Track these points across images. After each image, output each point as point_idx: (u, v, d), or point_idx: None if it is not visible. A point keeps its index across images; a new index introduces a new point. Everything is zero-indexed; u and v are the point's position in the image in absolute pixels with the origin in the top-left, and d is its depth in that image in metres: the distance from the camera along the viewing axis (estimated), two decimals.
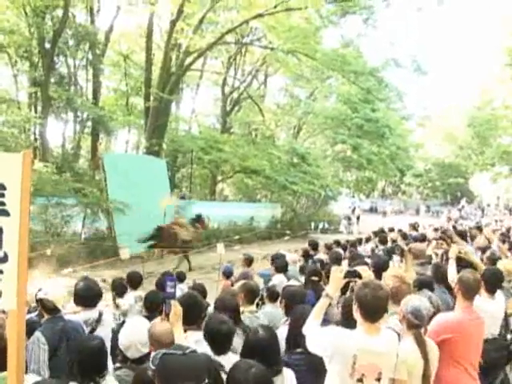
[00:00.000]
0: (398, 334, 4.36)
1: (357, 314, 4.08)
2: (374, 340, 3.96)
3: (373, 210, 62.71)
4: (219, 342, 4.51)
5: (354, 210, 49.63)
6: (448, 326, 5.13)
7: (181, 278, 10.69)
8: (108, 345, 4.90)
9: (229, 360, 4.16)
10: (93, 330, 5.61)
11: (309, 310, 4.74)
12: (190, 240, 21.87)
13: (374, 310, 3.99)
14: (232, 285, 9.45)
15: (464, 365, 5.10)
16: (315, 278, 7.92)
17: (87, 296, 5.88)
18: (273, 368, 3.97)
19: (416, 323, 4.51)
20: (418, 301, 4.70)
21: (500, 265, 8.37)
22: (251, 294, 6.59)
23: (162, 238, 21.12)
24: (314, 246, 13.34)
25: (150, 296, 6.81)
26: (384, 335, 4.08)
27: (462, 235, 13.00)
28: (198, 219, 23.29)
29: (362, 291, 4.03)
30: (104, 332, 5.43)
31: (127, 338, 4.32)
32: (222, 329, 4.47)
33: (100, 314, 5.82)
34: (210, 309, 6.41)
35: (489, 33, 74.41)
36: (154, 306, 6.35)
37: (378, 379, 3.95)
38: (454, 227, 21.85)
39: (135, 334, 4.32)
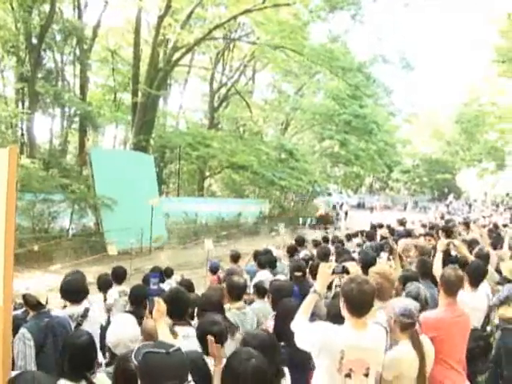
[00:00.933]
0: (386, 329, 4.33)
1: (343, 310, 4.06)
2: (362, 335, 3.95)
3: (360, 205, 62.79)
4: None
5: (341, 206, 49.69)
6: (431, 325, 5.10)
7: (168, 273, 10.68)
8: (97, 341, 4.87)
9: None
10: (78, 325, 5.56)
11: (295, 303, 4.75)
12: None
13: (360, 305, 3.97)
14: (219, 281, 9.43)
15: (450, 362, 5.09)
16: (299, 274, 7.92)
17: (73, 291, 5.83)
18: None
19: (409, 322, 4.51)
20: (404, 301, 4.73)
21: (504, 266, 8.42)
22: (236, 290, 6.57)
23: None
24: (301, 242, 13.29)
25: (135, 290, 6.80)
26: (371, 330, 4.06)
27: (447, 231, 13.03)
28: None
29: (347, 286, 4.01)
30: (91, 328, 5.38)
31: (115, 336, 4.28)
32: (212, 330, 4.45)
33: (86, 310, 5.76)
34: None
35: (476, 30, 74.57)
36: (138, 300, 6.34)
37: (366, 374, 3.93)
38: (447, 222, 21.91)
39: (123, 331, 4.28)
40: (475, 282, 6.59)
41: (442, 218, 31.65)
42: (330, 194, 54.67)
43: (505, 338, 7.49)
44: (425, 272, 7.12)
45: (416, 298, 5.48)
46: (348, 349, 3.85)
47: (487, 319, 7.28)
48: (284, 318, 4.56)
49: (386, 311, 4.81)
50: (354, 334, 3.94)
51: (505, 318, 7.88)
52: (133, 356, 3.23)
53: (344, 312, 4.06)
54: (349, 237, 16.27)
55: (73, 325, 5.52)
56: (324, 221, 39.34)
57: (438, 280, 5.99)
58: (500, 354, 6.91)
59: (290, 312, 4.45)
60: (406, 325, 4.51)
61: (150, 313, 4.22)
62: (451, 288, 5.39)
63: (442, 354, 4.97)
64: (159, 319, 4.12)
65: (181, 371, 3.09)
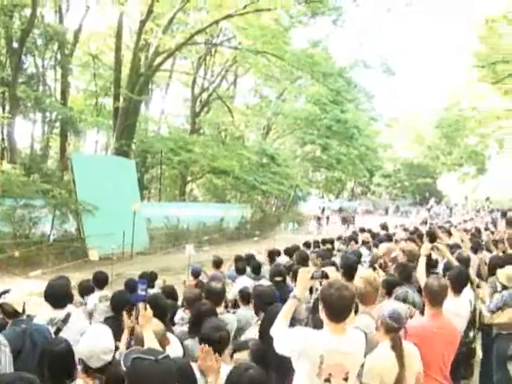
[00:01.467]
0: (365, 334, 4.33)
1: (323, 314, 4.07)
2: (340, 340, 3.96)
3: (342, 210, 62.99)
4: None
5: (323, 211, 49.81)
6: (413, 332, 5.04)
7: (152, 278, 10.67)
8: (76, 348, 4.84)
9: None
10: (58, 330, 5.55)
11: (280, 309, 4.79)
12: None
13: (339, 311, 3.98)
14: (196, 286, 9.43)
15: (429, 373, 5.07)
16: (279, 279, 7.95)
17: (56, 296, 5.84)
18: None
19: (395, 327, 4.53)
20: (394, 304, 4.75)
21: (500, 273, 8.47)
22: (213, 296, 6.60)
23: None
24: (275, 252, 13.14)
25: (117, 296, 6.80)
26: (350, 335, 4.08)
27: (431, 236, 13.12)
28: None
29: (327, 291, 4.02)
30: (71, 334, 5.35)
31: (88, 348, 4.23)
32: (212, 336, 4.57)
33: (68, 315, 5.73)
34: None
35: (456, 35, 74.99)
36: (120, 307, 6.34)
37: (346, 379, 3.95)
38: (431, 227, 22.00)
39: (96, 343, 4.23)
40: (458, 288, 6.60)
41: (425, 222, 31.77)
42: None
43: (498, 344, 7.60)
44: (406, 276, 7.16)
45: (404, 301, 5.53)
46: (327, 353, 3.86)
47: (471, 325, 7.33)
48: (269, 324, 4.58)
49: (376, 312, 4.85)
50: (333, 338, 3.95)
51: (500, 323, 7.99)
52: (121, 362, 3.25)
53: (323, 317, 4.07)
54: (324, 242, 16.10)
55: (52, 329, 5.51)
56: None
57: (422, 288, 6.04)
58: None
59: (275, 319, 4.49)
60: (392, 328, 4.53)
61: (137, 318, 4.25)
62: (435, 298, 5.39)
63: (424, 366, 4.93)
64: (146, 325, 4.16)
65: (168, 379, 3.12)
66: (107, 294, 7.79)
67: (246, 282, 9.33)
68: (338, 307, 3.97)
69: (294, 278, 7.47)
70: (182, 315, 6.71)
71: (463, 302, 6.72)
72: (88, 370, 4.20)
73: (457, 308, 6.32)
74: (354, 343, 4.07)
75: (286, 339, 4.10)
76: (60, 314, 5.73)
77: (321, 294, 4.15)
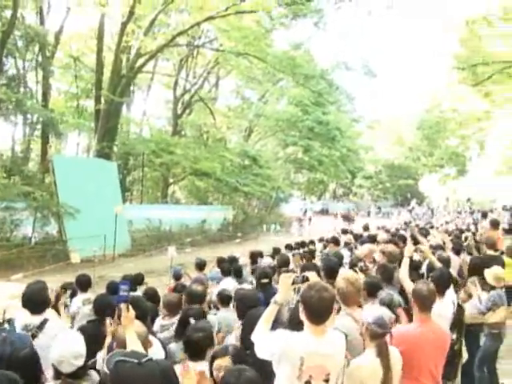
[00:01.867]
0: (346, 335, 4.33)
1: (303, 316, 4.09)
2: (320, 341, 3.97)
3: (324, 211, 63.09)
4: (192, 348, 4.66)
5: (305, 212, 49.90)
6: (401, 338, 5.03)
7: (138, 280, 10.65)
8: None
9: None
10: (33, 337, 5.49)
11: (262, 313, 4.79)
12: None
13: (318, 312, 4.00)
14: (175, 289, 9.41)
15: (424, 381, 5.09)
16: (265, 281, 7.96)
17: (33, 301, 5.80)
18: None
19: (380, 332, 4.51)
20: (378, 310, 4.75)
21: (487, 273, 8.53)
22: (194, 299, 6.62)
23: None
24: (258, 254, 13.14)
25: (99, 299, 6.78)
26: (330, 336, 4.09)
27: (415, 237, 13.18)
28: None
29: (307, 293, 4.04)
30: (46, 341, 5.31)
31: (58, 353, 4.18)
32: (193, 337, 4.65)
33: (44, 321, 5.67)
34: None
35: (437, 37, 75.28)
36: (102, 310, 6.32)
37: (326, 380, 3.96)
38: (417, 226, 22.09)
39: (67, 348, 4.21)
40: (441, 290, 6.56)
41: (407, 224, 31.88)
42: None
43: (488, 343, 7.66)
44: (387, 278, 7.18)
45: (389, 305, 5.52)
46: (307, 355, 3.87)
47: (454, 326, 7.37)
48: (250, 328, 4.58)
49: (359, 315, 4.86)
50: (313, 340, 3.96)
51: (492, 323, 8.06)
52: (104, 365, 3.24)
53: (303, 319, 4.08)
54: (303, 244, 16.09)
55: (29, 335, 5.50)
56: None
57: (405, 285, 6.05)
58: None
59: (256, 322, 4.49)
60: (376, 334, 4.52)
61: (119, 319, 4.25)
62: (424, 303, 5.36)
63: (411, 369, 4.96)
64: (128, 326, 4.15)
65: (151, 382, 3.13)
66: (90, 297, 7.78)
67: (230, 283, 9.36)
68: (318, 309, 3.99)
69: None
70: (161, 323, 6.68)
71: (446, 304, 6.75)
72: (60, 376, 4.18)
73: (439, 309, 6.23)
74: (334, 345, 4.07)
75: (266, 343, 4.10)
76: (36, 319, 5.68)
77: (301, 296, 4.17)
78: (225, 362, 4.38)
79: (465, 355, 8.05)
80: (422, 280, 6.21)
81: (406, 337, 5.13)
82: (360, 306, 5.48)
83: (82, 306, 7.89)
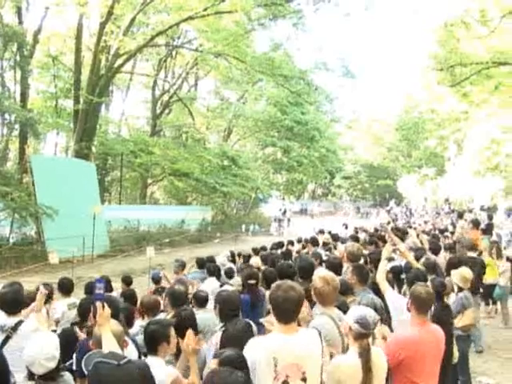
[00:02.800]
0: (319, 332, 4.27)
1: (272, 316, 4.15)
2: (292, 340, 3.99)
3: (303, 211, 63.22)
4: (146, 342, 4.72)
5: (284, 213, 49.98)
6: (403, 345, 5.07)
7: (127, 282, 10.65)
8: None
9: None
10: (7, 338, 5.52)
11: (242, 325, 4.83)
12: None
13: (285, 311, 4.03)
14: (155, 292, 9.42)
15: (422, 381, 5.08)
16: (252, 282, 7.96)
17: (8, 302, 5.80)
18: None
19: (363, 332, 4.49)
20: (362, 310, 4.76)
21: (454, 274, 8.61)
22: (174, 299, 6.65)
23: None
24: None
25: (85, 303, 6.77)
26: (302, 334, 4.11)
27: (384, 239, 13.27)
28: None
29: (274, 293, 4.09)
30: (20, 342, 5.30)
31: (30, 354, 4.15)
32: (148, 328, 4.73)
33: (18, 323, 5.69)
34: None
35: (415, 38, 75.66)
36: (88, 314, 6.33)
37: (304, 379, 3.95)
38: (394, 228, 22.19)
39: (39, 350, 4.18)
40: None
41: (389, 224, 32.02)
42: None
43: (459, 346, 7.71)
44: (362, 280, 7.06)
45: (374, 309, 5.53)
46: (279, 355, 3.88)
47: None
48: (229, 339, 4.59)
49: (338, 316, 4.90)
50: (283, 339, 3.98)
51: (462, 327, 8.14)
52: (83, 365, 3.25)
53: (273, 319, 4.13)
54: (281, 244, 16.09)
55: (1, 336, 5.52)
56: None
57: (381, 287, 6.06)
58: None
59: (236, 336, 4.52)
60: (359, 334, 4.49)
61: (94, 317, 4.21)
62: (423, 306, 5.35)
63: (413, 375, 5.00)
64: (104, 324, 4.13)
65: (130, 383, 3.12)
66: (75, 302, 7.70)
67: (214, 283, 9.40)
68: (285, 308, 4.02)
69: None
70: (140, 323, 6.65)
71: None
72: (33, 377, 4.20)
73: None
74: (307, 342, 4.07)
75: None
76: (11, 321, 5.69)
77: (269, 296, 4.22)
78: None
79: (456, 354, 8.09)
80: (421, 283, 6.20)
81: (407, 344, 5.13)
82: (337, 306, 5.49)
83: (67, 310, 7.80)
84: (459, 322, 8.19)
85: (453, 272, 8.73)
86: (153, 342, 4.64)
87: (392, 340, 5.19)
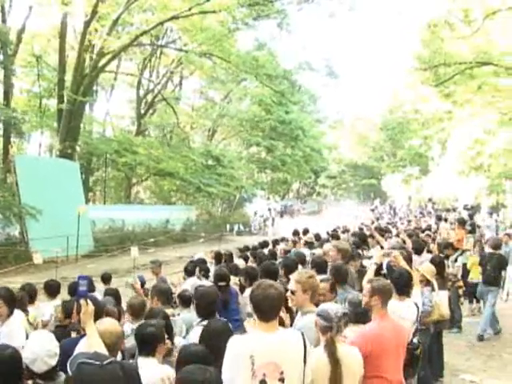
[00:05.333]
0: (302, 333, 4.21)
1: (253, 315, 4.15)
2: (270, 338, 3.99)
3: (288, 211, 63.24)
4: (143, 343, 4.68)
5: (269, 212, 50.05)
6: (368, 339, 5.08)
7: (105, 278, 10.66)
8: None
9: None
10: None
11: (222, 325, 4.85)
12: None
13: (265, 309, 4.04)
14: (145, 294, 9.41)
15: (389, 378, 5.13)
16: (222, 283, 7.96)
17: None
18: None
19: (325, 325, 4.53)
20: (326, 304, 4.77)
21: (424, 269, 8.71)
22: (163, 295, 6.68)
23: None
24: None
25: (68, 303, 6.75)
26: (281, 333, 4.12)
27: (365, 239, 13.40)
28: None
29: (255, 292, 4.11)
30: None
31: (32, 352, 4.15)
32: (147, 332, 4.68)
33: None
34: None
35: (399, 38, 76.05)
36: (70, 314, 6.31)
37: (281, 379, 3.93)
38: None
39: (40, 347, 4.17)
40: (402, 291, 6.62)
41: (373, 223, 32.14)
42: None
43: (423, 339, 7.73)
44: (340, 279, 7.08)
45: (359, 305, 5.52)
46: (256, 353, 3.88)
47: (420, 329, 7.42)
48: (210, 335, 4.60)
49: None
50: (261, 337, 3.99)
51: (425, 322, 8.18)
52: (68, 367, 3.25)
53: (254, 317, 4.14)
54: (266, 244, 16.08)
55: None
56: None
57: (365, 292, 6.11)
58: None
59: (217, 333, 4.57)
60: (323, 327, 4.55)
61: (78, 314, 4.22)
62: (388, 298, 5.44)
63: (378, 368, 5.02)
64: (87, 321, 4.12)
65: None
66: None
67: (194, 282, 9.42)
68: (265, 306, 4.03)
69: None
70: (131, 327, 6.61)
71: (409, 306, 6.65)
72: (32, 377, 4.16)
73: (400, 311, 6.28)
74: (287, 341, 4.07)
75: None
76: None
77: (249, 295, 4.23)
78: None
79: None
80: (377, 277, 6.23)
81: (370, 336, 5.15)
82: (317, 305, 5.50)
83: (54, 313, 7.74)
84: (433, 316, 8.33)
85: (423, 268, 8.85)
86: (151, 343, 4.65)
87: (358, 334, 5.19)
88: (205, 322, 5.40)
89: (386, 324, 5.32)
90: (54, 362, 4.24)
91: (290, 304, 5.53)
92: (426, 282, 8.57)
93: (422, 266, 9.06)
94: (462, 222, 17.36)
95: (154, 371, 4.04)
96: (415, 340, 6.68)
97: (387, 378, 5.12)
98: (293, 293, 5.43)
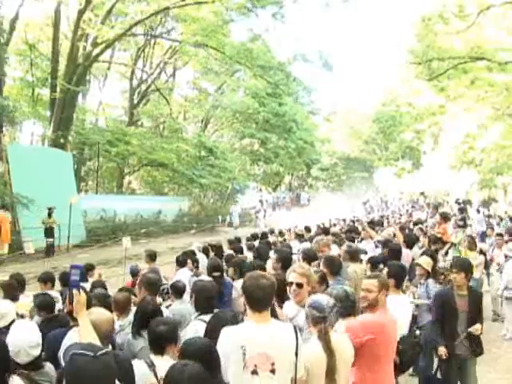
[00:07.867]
0: (295, 326, 4.29)
1: (246, 306, 4.20)
2: (262, 329, 4.02)
3: (280, 203, 63.22)
4: (154, 342, 4.70)
5: (262, 204, 50.09)
6: (370, 326, 5.12)
7: (87, 268, 10.64)
8: None
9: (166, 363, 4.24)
10: None
11: (224, 315, 4.86)
12: None
13: (257, 300, 4.08)
14: (133, 285, 9.39)
15: (385, 368, 5.21)
16: (216, 274, 8.03)
17: None
18: None
19: (318, 315, 4.53)
20: (317, 296, 4.80)
21: (422, 261, 8.81)
22: (151, 286, 6.69)
23: None
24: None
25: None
26: (273, 324, 4.16)
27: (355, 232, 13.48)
28: None
29: (247, 282, 4.15)
30: None
31: (14, 343, 4.17)
32: (156, 330, 4.69)
33: None
34: None
35: (394, 32, 76.10)
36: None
37: (272, 371, 3.95)
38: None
39: (22, 339, 4.20)
40: (398, 284, 6.70)
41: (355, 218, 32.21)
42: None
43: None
44: (333, 271, 7.15)
45: (347, 298, 5.53)
46: (248, 343, 3.92)
47: (414, 322, 7.47)
48: (215, 329, 4.60)
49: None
50: (253, 328, 4.03)
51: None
52: (61, 357, 3.25)
53: (247, 308, 4.19)
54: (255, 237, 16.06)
55: None
56: None
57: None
58: None
59: (221, 324, 4.54)
60: (315, 318, 4.56)
61: (70, 304, 4.16)
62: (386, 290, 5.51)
63: (377, 357, 5.09)
64: (80, 311, 4.09)
65: (107, 375, 3.11)
66: (57, 296, 7.65)
67: (186, 273, 9.46)
68: (257, 296, 4.07)
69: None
70: (119, 323, 6.57)
71: (405, 299, 6.81)
72: (16, 368, 4.15)
73: (397, 304, 6.25)
74: (278, 333, 4.10)
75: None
76: None
77: (242, 286, 4.28)
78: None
79: None
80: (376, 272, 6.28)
81: (373, 325, 5.19)
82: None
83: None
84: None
85: (421, 260, 8.95)
86: (161, 342, 4.65)
87: (356, 322, 5.22)
88: (203, 317, 5.46)
89: (385, 316, 5.38)
90: (36, 352, 4.26)
91: (294, 299, 5.60)
92: (428, 275, 8.68)
93: (420, 259, 9.14)
94: (444, 217, 17.39)
95: (163, 369, 4.05)
96: (418, 332, 6.80)
97: (386, 368, 5.24)
98: (299, 286, 5.51)
